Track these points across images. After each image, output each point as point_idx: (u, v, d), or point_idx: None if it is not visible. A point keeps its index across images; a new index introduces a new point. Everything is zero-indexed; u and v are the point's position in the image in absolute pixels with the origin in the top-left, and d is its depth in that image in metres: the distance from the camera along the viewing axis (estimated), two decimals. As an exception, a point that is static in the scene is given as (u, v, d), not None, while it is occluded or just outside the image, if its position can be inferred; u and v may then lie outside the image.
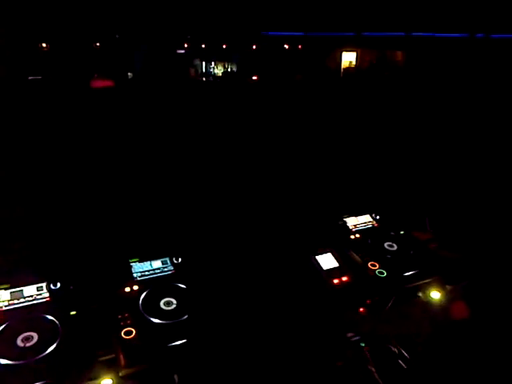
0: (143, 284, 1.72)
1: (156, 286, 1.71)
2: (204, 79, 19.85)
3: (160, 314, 1.60)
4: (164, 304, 1.64)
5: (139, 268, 1.78)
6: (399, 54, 19.69)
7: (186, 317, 1.60)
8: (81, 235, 1.90)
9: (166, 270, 1.80)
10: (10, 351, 1.37)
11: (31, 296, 1.57)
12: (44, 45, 18.98)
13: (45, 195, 2.16)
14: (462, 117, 4.31)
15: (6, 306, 1.52)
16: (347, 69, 20.93)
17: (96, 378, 1.40)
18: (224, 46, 20.51)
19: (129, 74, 19.50)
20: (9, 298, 1.54)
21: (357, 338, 1.92)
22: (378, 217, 2.33)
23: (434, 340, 2.03)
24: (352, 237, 2.19)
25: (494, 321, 1.89)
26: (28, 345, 1.40)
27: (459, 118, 4.21)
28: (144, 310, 1.60)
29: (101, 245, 1.85)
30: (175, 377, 1.62)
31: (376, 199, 2.48)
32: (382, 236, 2.21)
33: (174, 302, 1.66)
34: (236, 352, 1.73)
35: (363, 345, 1.89)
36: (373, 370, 1.77)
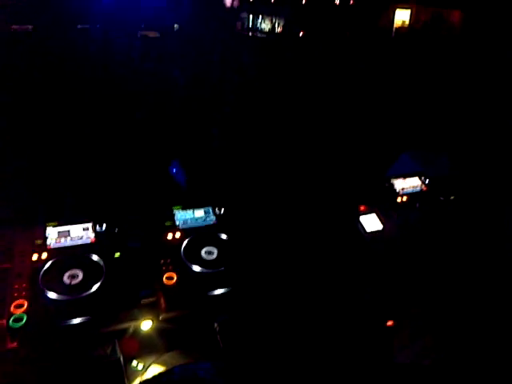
0: (185, 232, 1.72)
1: (198, 234, 1.71)
2: (251, 34, 19.27)
3: (201, 262, 1.60)
4: (205, 253, 1.64)
5: (182, 216, 1.78)
6: (457, 14, 18.45)
7: (226, 267, 1.60)
8: (128, 181, 1.91)
9: (208, 219, 1.80)
10: (57, 286, 1.42)
11: (77, 236, 1.61)
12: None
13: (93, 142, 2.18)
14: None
15: (53, 244, 1.56)
16: (400, 28, 19.88)
17: (137, 319, 1.44)
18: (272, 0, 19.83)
19: (175, 25, 19.26)
20: (56, 236, 1.58)
21: None
22: (427, 180, 2.23)
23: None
24: (398, 199, 2.11)
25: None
26: (74, 282, 1.44)
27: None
28: (186, 257, 1.60)
29: (146, 191, 1.85)
30: (216, 325, 1.64)
31: (425, 162, 2.37)
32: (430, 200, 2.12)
33: (215, 251, 1.65)
34: (274, 304, 1.73)
35: None
36: None
